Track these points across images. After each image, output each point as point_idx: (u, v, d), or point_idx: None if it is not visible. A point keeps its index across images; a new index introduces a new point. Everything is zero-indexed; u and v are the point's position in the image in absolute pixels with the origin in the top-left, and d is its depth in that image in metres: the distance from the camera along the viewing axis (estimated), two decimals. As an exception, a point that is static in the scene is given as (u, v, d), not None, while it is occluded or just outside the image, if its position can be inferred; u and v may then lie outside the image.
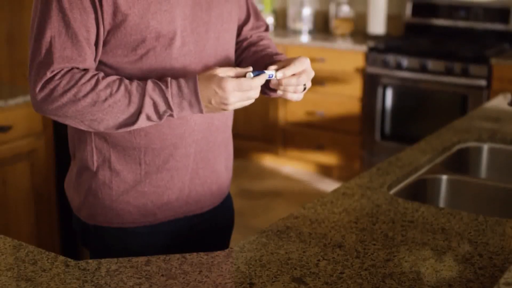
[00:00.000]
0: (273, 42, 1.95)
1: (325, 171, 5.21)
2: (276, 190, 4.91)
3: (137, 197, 1.74)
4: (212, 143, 1.79)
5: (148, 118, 1.61)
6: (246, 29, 1.90)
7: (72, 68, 1.59)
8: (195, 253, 1.52)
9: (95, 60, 1.63)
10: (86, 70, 1.60)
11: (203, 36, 1.70)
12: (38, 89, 1.58)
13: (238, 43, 1.90)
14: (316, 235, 1.63)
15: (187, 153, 1.74)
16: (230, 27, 1.78)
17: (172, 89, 1.59)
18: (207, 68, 1.70)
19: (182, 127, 1.71)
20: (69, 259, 1.49)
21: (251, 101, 1.63)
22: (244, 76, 1.61)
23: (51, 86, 1.57)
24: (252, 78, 1.60)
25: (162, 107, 1.60)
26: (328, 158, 5.13)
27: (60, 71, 1.58)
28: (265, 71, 1.64)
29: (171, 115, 1.62)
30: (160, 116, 1.61)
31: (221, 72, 1.61)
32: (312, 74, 1.70)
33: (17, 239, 1.61)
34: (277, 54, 1.82)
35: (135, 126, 1.62)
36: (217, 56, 1.73)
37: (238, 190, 4.78)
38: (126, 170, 1.72)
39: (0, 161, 3.04)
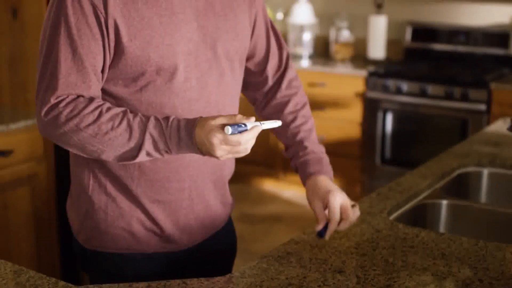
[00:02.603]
0: (312, 119, 2.03)
1: (325, 195, 5.19)
2: (276, 214, 4.91)
3: (131, 224, 1.73)
4: (207, 180, 1.76)
5: (148, 154, 1.58)
6: (270, 70, 1.89)
7: (78, 97, 1.58)
8: (195, 279, 1.52)
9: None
10: (91, 100, 1.58)
11: (206, 72, 1.68)
12: (43, 113, 1.58)
13: (266, 88, 1.91)
14: (316, 261, 1.63)
15: (181, 188, 1.72)
16: (235, 65, 1.76)
17: (171, 130, 1.55)
18: (212, 106, 1.70)
19: (177, 161, 1.69)
20: (69, 284, 1.49)
21: (245, 153, 1.54)
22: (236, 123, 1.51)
23: (54, 113, 1.57)
24: (240, 133, 1.50)
25: (161, 145, 1.56)
26: (329, 182, 5.11)
27: (65, 99, 1.57)
28: (246, 122, 1.51)
29: (170, 153, 1.59)
30: (160, 153, 1.58)
31: (220, 121, 1.52)
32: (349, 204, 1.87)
33: (17, 263, 1.61)
34: (311, 153, 2.02)
35: (136, 160, 1.59)
36: (219, 93, 1.71)
37: (238, 215, 4.77)
38: (120, 197, 1.72)
39: (1, 185, 3.04)
